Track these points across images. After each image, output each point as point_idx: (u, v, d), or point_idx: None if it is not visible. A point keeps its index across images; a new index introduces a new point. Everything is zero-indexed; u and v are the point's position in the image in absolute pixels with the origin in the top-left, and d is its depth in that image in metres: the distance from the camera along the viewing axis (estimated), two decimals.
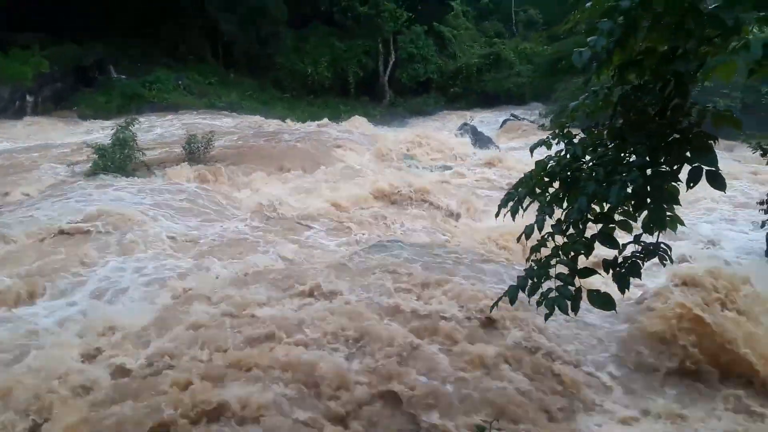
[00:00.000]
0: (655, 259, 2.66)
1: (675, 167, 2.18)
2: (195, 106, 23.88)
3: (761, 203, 10.95)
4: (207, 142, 12.86)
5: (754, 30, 2.23)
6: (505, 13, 41.35)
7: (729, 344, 5.06)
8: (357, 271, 6.65)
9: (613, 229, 2.59)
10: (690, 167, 2.13)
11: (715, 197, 13.21)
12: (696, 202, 12.89)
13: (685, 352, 5.09)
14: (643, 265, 2.63)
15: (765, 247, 10.53)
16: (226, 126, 19.58)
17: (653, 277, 6.21)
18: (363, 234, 9.01)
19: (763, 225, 10.92)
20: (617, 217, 2.52)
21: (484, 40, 38.41)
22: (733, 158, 16.35)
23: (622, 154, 2.29)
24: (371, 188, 11.01)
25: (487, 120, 28.40)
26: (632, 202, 2.21)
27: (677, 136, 2.31)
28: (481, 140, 20.65)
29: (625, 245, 2.62)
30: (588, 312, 5.70)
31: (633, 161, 2.18)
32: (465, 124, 26.09)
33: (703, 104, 2.36)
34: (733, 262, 9.57)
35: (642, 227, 2.48)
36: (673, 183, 2.29)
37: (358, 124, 20.41)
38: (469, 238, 9.03)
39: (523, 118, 27.24)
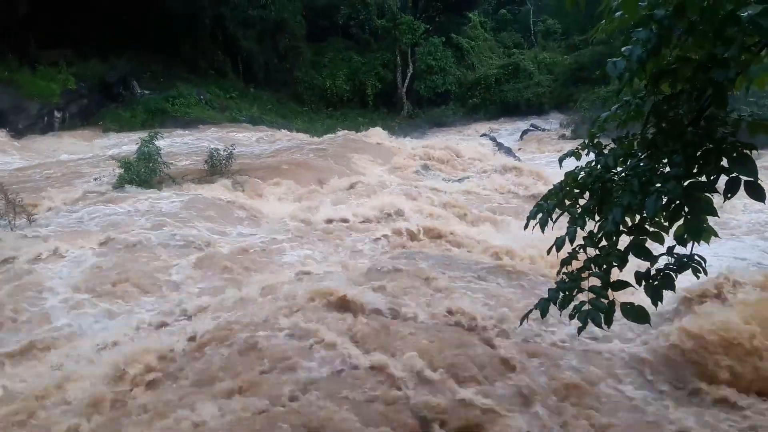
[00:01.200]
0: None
1: (712, 177, 2.14)
2: (217, 120, 24.18)
3: None
4: (228, 155, 12.98)
5: None
6: (524, 24, 41.43)
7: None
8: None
9: (645, 240, 2.55)
10: (728, 177, 2.09)
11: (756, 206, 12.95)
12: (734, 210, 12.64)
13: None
14: (677, 277, 2.58)
15: None
16: (247, 139, 19.77)
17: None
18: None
19: None
20: (650, 228, 2.48)
21: (503, 50, 38.50)
22: None
23: (657, 165, 2.25)
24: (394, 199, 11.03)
25: (507, 130, 28.34)
26: (665, 213, 2.17)
27: (711, 145, 2.27)
28: (502, 150, 20.59)
29: (658, 257, 2.58)
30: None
31: (669, 171, 2.14)
32: (485, 134, 26.07)
33: (738, 110, 2.32)
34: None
35: (675, 238, 2.44)
36: (709, 194, 2.26)
37: (377, 135, 20.44)
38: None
39: (543, 128, 27.12)
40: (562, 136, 24.09)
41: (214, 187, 11.80)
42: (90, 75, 23.95)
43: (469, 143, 21.20)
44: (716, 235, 2.56)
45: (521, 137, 25.97)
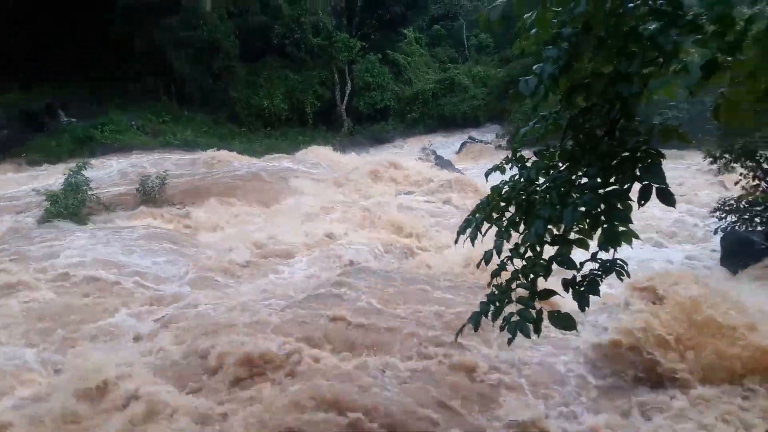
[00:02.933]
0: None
1: (626, 186, 2.21)
2: (150, 145, 23.47)
3: (714, 211, 11.30)
4: (161, 181, 12.63)
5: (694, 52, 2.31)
6: (457, 39, 42.32)
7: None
8: None
9: (571, 248, 2.61)
10: (641, 185, 2.17)
11: (678, 205, 13.55)
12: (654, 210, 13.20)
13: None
14: (602, 282, 2.65)
15: (719, 255, 10.83)
16: (182, 163, 19.29)
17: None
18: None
19: (716, 232, 11.26)
20: (574, 236, 2.55)
21: (438, 65, 39.22)
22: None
23: (574, 176, 2.31)
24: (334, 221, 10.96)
25: (446, 143, 28.88)
26: (587, 222, 2.23)
27: (627, 154, 2.35)
28: (441, 163, 20.88)
29: (583, 264, 2.65)
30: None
31: (586, 182, 2.20)
32: (425, 148, 26.42)
33: (651, 117, 2.43)
34: (690, 268, 9.82)
35: (598, 245, 2.51)
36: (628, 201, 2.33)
37: (318, 153, 20.39)
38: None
39: (480, 140, 27.80)
40: (499, 147, 24.80)
41: (146, 214, 11.43)
42: (11, 105, 22.85)
43: (410, 157, 21.44)
44: (637, 238, 2.67)
45: (460, 149, 26.51)
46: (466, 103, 32.88)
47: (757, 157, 10.49)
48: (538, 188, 2.61)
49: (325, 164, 18.78)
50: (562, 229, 2.52)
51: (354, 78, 32.99)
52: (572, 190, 2.24)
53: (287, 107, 30.94)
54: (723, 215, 10.95)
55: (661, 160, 2.36)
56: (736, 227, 10.83)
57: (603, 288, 2.64)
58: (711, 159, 10.94)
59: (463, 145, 26.93)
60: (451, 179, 14.94)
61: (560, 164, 2.58)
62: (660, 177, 2.08)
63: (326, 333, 5.90)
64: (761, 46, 1.85)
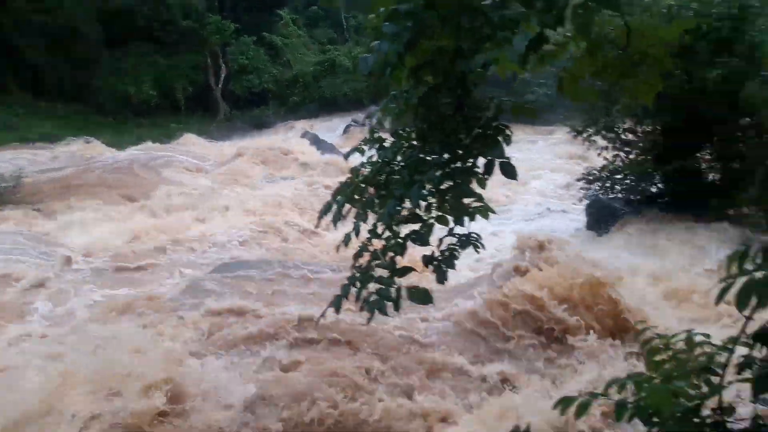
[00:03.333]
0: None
1: (471, 162, 2.27)
2: (2, 141, 21.29)
3: (579, 180, 12.19)
4: (16, 180, 11.52)
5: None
6: (336, 20, 42.01)
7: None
8: None
9: (432, 225, 2.67)
10: (485, 160, 2.24)
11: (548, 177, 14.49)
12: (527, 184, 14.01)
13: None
14: (459, 256, 2.74)
15: (585, 220, 11.73)
16: (40, 160, 17.68)
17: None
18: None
19: (581, 200, 12.17)
20: (435, 213, 2.60)
21: (318, 47, 38.76)
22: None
23: (427, 155, 2.34)
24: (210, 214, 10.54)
25: (331, 126, 28.68)
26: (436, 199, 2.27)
27: (480, 131, 2.42)
28: (324, 147, 20.70)
29: (441, 239, 2.72)
30: None
31: (432, 160, 2.23)
32: (307, 132, 26.11)
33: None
34: (562, 233, 10.54)
35: (453, 221, 2.58)
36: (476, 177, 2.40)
37: (193, 141, 19.49)
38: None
39: (364, 123, 27.88)
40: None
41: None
42: None
43: (292, 142, 21.10)
44: (493, 212, 2.77)
45: (344, 132, 26.45)
46: (348, 85, 32.77)
47: (616, 129, 11.41)
48: (395, 168, 2.63)
49: (200, 152, 18.02)
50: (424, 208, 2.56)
51: (228, 61, 31.85)
52: (421, 168, 2.27)
53: (156, 94, 29.24)
54: (588, 185, 11.86)
55: (509, 135, 2.45)
56: (600, 195, 11.78)
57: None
58: (575, 133, 11.76)
59: (347, 128, 26.89)
60: (330, 162, 14.91)
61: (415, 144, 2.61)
62: (499, 151, 2.15)
63: None
64: (577, 21, 1.95)
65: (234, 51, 31.96)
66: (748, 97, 8.85)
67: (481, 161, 2.44)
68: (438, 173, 2.16)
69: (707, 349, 2.26)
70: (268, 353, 5.23)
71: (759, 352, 1.96)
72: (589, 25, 2.02)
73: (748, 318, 2.02)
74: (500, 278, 6.05)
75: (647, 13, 8.83)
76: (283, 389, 4.66)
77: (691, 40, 9.25)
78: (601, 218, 11.37)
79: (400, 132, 2.74)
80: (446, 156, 2.26)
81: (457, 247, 2.66)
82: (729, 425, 2.12)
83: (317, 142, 21.68)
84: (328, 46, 38.61)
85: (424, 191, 2.19)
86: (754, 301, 1.69)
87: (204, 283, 6.73)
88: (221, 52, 31.39)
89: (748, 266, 1.87)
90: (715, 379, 2.14)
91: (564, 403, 2.08)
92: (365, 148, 2.91)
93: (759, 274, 1.71)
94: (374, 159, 2.74)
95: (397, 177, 2.51)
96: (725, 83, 9.12)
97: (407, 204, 2.60)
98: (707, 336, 2.32)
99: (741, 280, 1.73)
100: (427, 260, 2.64)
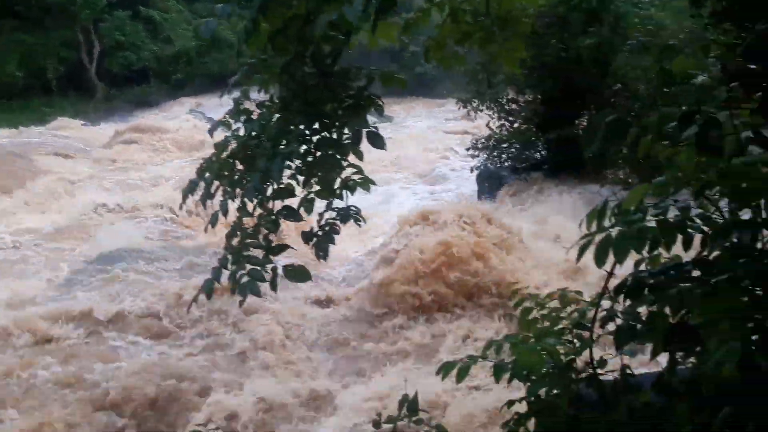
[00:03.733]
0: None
1: (338, 133, 2.18)
2: None
3: (468, 150, 12.51)
4: None
5: None
6: None
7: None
8: None
9: (312, 200, 2.56)
10: (351, 131, 2.15)
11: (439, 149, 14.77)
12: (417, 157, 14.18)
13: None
14: (340, 230, 2.66)
15: (476, 188, 12.11)
16: None
17: None
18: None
19: (472, 170, 12.53)
20: (316, 187, 2.48)
21: (198, 21, 36.90)
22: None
23: (288, 126, 2.22)
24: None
25: (220, 104, 27.37)
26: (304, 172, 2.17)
27: (352, 101, 2.32)
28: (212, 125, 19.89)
29: (321, 214, 2.62)
30: None
31: (294, 131, 2.12)
32: (193, 110, 24.98)
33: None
34: (450, 203, 10.81)
35: (330, 195, 2.49)
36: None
37: (66, 125, 18.00)
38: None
39: (255, 98, 26.95)
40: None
41: None
42: None
43: (177, 121, 20.08)
44: (374, 183, 2.71)
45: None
46: (235, 60, 31.50)
47: (500, 100, 11.79)
48: (263, 142, 2.48)
49: (78, 136, 16.70)
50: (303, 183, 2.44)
51: (102, 37, 29.59)
52: (284, 139, 2.15)
53: (23, 74, 26.68)
54: (476, 154, 12.20)
55: (381, 105, 2.38)
56: (489, 164, 12.18)
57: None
58: (462, 104, 12.03)
59: None
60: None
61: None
62: (363, 121, 2.08)
63: None
64: None
65: (109, 27, 29.69)
66: (618, 67, 9.41)
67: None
68: (304, 146, 2.05)
69: (579, 306, 2.35)
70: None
71: (621, 306, 2.04)
72: None
73: (610, 273, 2.11)
74: (383, 257, 6.11)
75: None
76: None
77: (565, 11, 9.68)
78: (490, 186, 11.82)
79: (268, 103, 2.60)
80: (310, 127, 2.15)
81: (337, 222, 2.59)
82: (601, 378, 2.22)
83: (205, 119, 20.79)
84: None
85: (289, 164, 2.07)
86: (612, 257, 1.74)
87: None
88: (93, 28, 29.08)
89: (606, 224, 1.93)
90: (586, 335, 2.22)
91: (445, 368, 2.08)
92: (231, 121, 2.74)
93: (614, 231, 1.75)
94: (241, 133, 2.59)
95: (262, 150, 2.38)
96: (597, 52, 9.63)
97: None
98: (579, 294, 2.41)
99: (599, 237, 1.77)
100: (307, 236, 2.54)
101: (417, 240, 6.15)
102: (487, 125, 11.97)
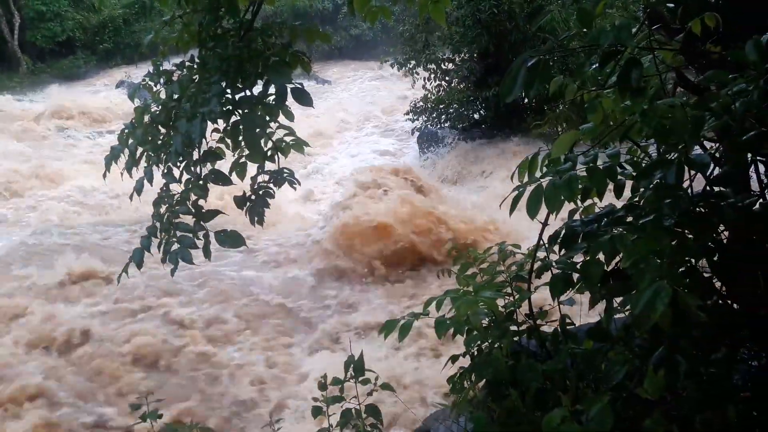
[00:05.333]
0: None
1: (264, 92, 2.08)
2: None
3: (407, 114, 12.42)
4: None
5: None
6: None
7: None
8: None
9: (245, 164, 2.46)
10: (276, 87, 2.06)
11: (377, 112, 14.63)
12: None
13: None
14: (274, 194, 2.57)
15: (417, 149, 12.13)
16: None
17: None
18: None
19: (413, 132, 12.50)
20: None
21: None
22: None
23: (207, 85, 2.10)
24: None
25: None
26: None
27: (276, 59, 2.21)
28: (142, 96, 18.98)
29: (254, 177, 2.53)
30: None
31: (211, 90, 2.00)
32: (124, 81, 23.84)
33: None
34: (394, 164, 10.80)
35: (261, 158, 2.39)
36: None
37: None
38: None
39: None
40: None
41: None
42: None
43: (108, 93, 19.13)
44: (307, 145, 2.62)
45: None
46: (165, 28, 30.00)
47: (436, 59, 11.72)
48: (183, 104, 2.35)
49: (5, 111, 15.68)
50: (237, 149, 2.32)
51: (22, 8, 27.66)
52: (202, 99, 2.03)
53: None
54: (416, 117, 12.15)
55: (307, 62, 2.29)
56: (429, 126, 12.16)
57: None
58: (398, 65, 11.93)
59: None
60: None
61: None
62: (285, 77, 1.98)
63: None
64: None
65: None
66: (548, 20, 9.44)
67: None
68: (216, 104, 1.94)
69: (517, 260, 2.35)
70: None
71: (554, 256, 2.06)
72: None
73: (544, 224, 2.12)
74: (333, 216, 6.06)
75: None
76: None
77: None
78: (431, 147, 11.86)
79: (189, 64, 2.46)
80: (232, 86, 2.04)
81: (271, 186, 2.50)
82: (542, 328, 2.24)
83: (136, 90, 19.88)
84: None
85: (217, 127, 1.97)
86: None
87: None
88: None
89: (537, 175, 1.92)
90: (525, 288, 2.24)
91: (387, 326, 2.06)
92: (152, 84, 2.59)
93: (545, 181, 1.74)
94: (162, 96, 2.45)
95: (182, 113, 2.25)
96: (529, 6, 9.66)
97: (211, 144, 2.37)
98: (517, 247, 2.42)
99: (530, 188, 1.75)
100: (240, 201, 2.46)
101: (368, 198, 6.13)
102: (423, 86, 11.91)
